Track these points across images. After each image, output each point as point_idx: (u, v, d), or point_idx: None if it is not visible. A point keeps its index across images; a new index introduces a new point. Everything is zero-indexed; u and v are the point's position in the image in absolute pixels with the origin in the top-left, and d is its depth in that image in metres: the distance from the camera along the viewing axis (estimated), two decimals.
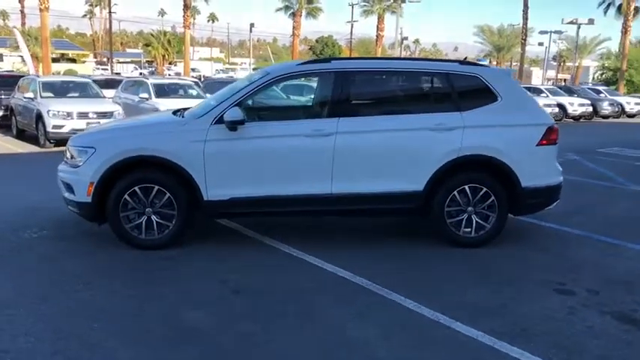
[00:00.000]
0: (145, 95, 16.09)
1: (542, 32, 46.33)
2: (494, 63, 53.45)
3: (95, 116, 14.07)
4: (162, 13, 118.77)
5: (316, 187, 5.67)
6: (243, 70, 72.72)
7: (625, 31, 38.35)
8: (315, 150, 5.64)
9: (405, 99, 6.16)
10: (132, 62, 72.28)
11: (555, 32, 47.05)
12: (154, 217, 5.61)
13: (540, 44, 49.98)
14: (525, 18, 41.30)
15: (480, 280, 5.16)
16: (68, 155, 5.90)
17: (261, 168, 5.63)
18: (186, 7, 41.04)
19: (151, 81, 17.10)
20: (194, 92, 17.29)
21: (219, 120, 5.57)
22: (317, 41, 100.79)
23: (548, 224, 6.88)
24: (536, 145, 5.90)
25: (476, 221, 5.88)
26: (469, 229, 5.90)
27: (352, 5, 57.65)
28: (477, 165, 5.83)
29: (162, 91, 16.68)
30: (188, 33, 42.63)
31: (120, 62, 70.17)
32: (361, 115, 5.78)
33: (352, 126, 5.67)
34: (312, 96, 6.41)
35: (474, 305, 4.57)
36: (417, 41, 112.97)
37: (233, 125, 5.50)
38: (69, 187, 5.69)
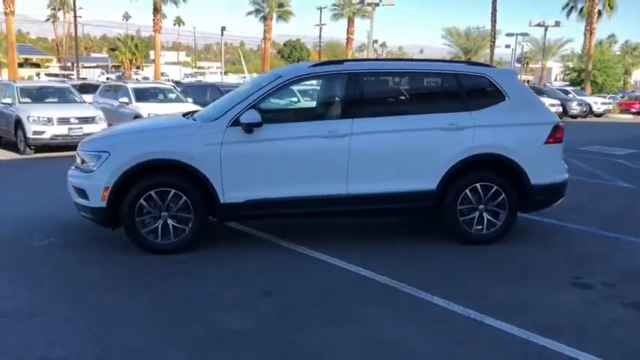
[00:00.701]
0: (125, 100, 15.91)
1: (508, 34, 47.23)
2: None
3: (77, 122, 13.86)
4: (126, 16, 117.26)
5: (331, 188, 5.71)
6: (213, 75, 72.37)
7: (590, 32, 39.46)
8: (330, 151, 5.68)
9: (417, 99, 6.24)
10: (97, 67, 71.03)
11: (521, 34, 48.05)
12: (170, 221, 5.56)
13: (507, 46, 50.93)
14: (494, 21, 42.12)
15: (496, 276, 5.26)
16: (79, 160, 5.81)
17: (276, 170, 5.64)
18: (156, 10, 40.58)
19: (130, 85, 16.89)
20: (174, 96, 17.13)
21: (235, 122, 5.56)
22: (285, 45, 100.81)
23: (550, 220, 7.04)
24: (544, 144, 6.05)
25: (487, 219, 6.00)
26: (480, 227, 6.01)
27: (320, 9, 57.94)
28: (487, 163, 5.95)
29: (143, 95, 16.51)
30: (158, 37, 42.16)
31: (85, 67, 68.89)
32: (374, 115, 5.83)
33: (366, 127, 5.73)
34: (325, 97, 6.42)
35: (498, 300, 4.66)
36: (383, 44, 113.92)
37: (250, 127, 5.50)
38: (82, 193, 5.60)
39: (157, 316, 4.25)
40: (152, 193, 5.49)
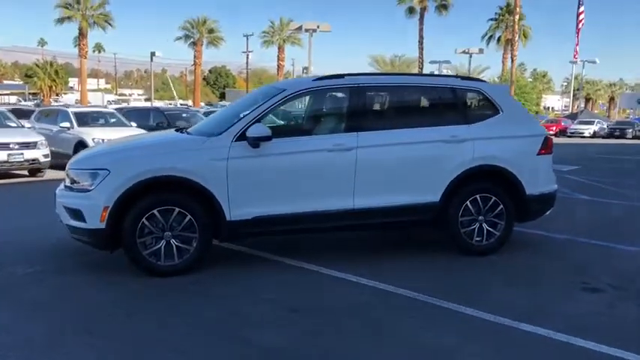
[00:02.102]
0: (67, 124, 15.17)
1: (432, 62, 49.21)
2: None
3: (17, 147, 13.02)
4: (42, 43, 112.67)
5: (338, 203, 5.63)
6: (137, 102, 70.56)
7: (512, 59, 41.73)
8: (337, 165, 5.62)
9: (417, 113, 6.30)
10: (12, 94, 67.60)
11: (444, 62, 50.13)
12: (173, 242, 5.28)
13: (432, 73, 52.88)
14: (421, 49, 43.71)
15: (508, 284, 5.33)
16: (69, 180, 5.44)
17: (284, 185, 5.51)
18: (82, 35, 39.28)
19: (71, 109, 16.16)
20: (116, 120, 16.50)
21: (241, 137, 5.40)
22: (210, 71, 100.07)
23: (534, 231, 7.23)
24: (537, 155, 6.25)
25: (486, 229, 6.09)
26: (480, 238, 6.09)
27: (247, 36, 58.13)
28: (486, 175, 6.07)
29: (84, 119, 15.80)
30: (85, 62, 40.81)
31: None
32: (378, 128, 5.83)
33: (371, 140, 5.71)
34: (328, 111, 6.36)
35: (523, 307, 4.70)
36: (304, 71, 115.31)
37: (258, 142, 5.35)
38: (76, 214, 5.22)
39: (190, 338, 3.98)
40: (155, 212, 5.20)
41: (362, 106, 5.85)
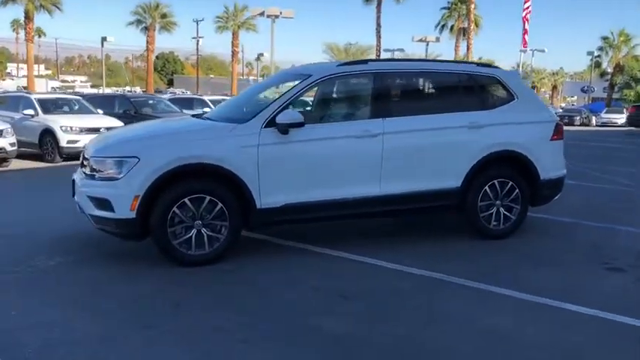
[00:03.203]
0: (31, 112, 14.50)
1: (386, 50, 49.59)
2: None
3: None
4: None
5: (366, 189, 5.63)
6: (83, 88, 68.14)
7: (468, 47, 42.56)
8: (365, 151, 5.61)
9: (439, 98, 6.33)
10: None
11: (398, 50, 50.61)
12: (204, 230, 5.16)
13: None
14: (378, 37, 43.93)
15: (535, 265, 5.46)
16: (90, 169, 5.21)
17: (313, 171, 5.46)
18: (28, 19, 37.58)
19: (34, 96, 15.47)
20: (82, 107, 15.88)
21: (270, 123, 5.31)
22: (157, 57, 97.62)
23: (539, 215, 7.41)
24: (550, 140, 6.40)
25: (503, 214, 6.21)
26: (497, 222, 6.21)
27: (197, 22, 56.97)
28: (504, 160, 6.18)
29: (49, 106, 15.15)
30: (32, 47, 39.09)
31: None
32: (403, 114, 5.83)
33: (397, 126, 5.72)
34: (354, 97, 6.31)
35: (559, 287, 4.84)
36: (259, 58, 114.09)
37: (287, 128, 5.27)
38: (104, 204, 5.01)
39: (254, 329, 3.90)
40: (186, 200, 5.06)
41: (386, 92, 5.85)
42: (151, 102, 18.44)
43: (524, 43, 50.10)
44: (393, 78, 5.95)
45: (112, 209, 4.99)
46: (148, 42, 45.12)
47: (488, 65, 6.48)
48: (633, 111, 24.10)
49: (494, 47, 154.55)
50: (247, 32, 48.84)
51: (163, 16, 45.68)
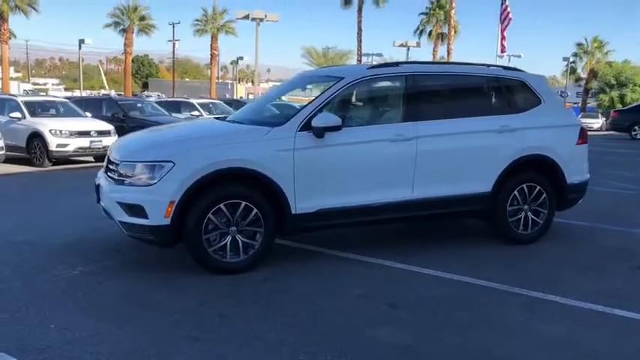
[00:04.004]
0: (17, 115, 14.09)
1: (365, 54, 49.69)
2: None
3: None
4: None
5: (399, 194, 5.53)
6: (57, 91, 66.85)
7: (448, 52, 42.86)
8: (398, 155, 5.51)
9: (469, 102, 6.24)
10: None
11: (376, 55, 50.79)
12: (238, 237, 4.99)
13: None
14: (359, 41, 44.01)
15: (572, 270, 5.41)
16: (120, 173, 5.00)
17: (347, 176, 5.34)
18: (2, 19, 36.65)
19: (21, 99, 14.99)
20: (70, 110, 15.48)
21: (304, 127, 5.17)
22: (133, 61, 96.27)
23: (555, 219, 7.37)
24: (576, 145, 6.39)
25: (531, 218, 6.17)
26: (525, 227, 6.16)
27: (173, 24, 56.34)
28: (533, 164, 6.14)
29: (36, 109, 14.75)
30: (6, 48, 38.10)
31: None
32: (434, 118, 5.75)
33: (429, 129, 5.63)
34: (385, 100, 6.21)
35: (602, 292, 4.79)
36: (234, 62, 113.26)
37: (323, 132, 5.14)
38: (137, 210, 4.81)
39: (311, 338, 3.76)
40: (221, 206, 4.88)
41: (418, 95, 5.76)
42: (139, 105, 18.08)
43: (502, 49, 50.69)
44: (424, 81, 5.87)
45: (145, 216, 4.79)
46: (125, 44, 44.38)
47: (515, 69, 6.43)
48: (616, 115, 24.54)
49: (471, 52, 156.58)
50: (226, 36, 48.30)
51: (142, 18, 44.99)
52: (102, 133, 14.05)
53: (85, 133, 13.70)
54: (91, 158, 14.32)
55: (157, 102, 20.71)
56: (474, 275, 5.10)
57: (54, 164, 13.19)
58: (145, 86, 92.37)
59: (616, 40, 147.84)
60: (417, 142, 5.54)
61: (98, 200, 5.37)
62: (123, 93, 48.16)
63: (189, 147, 5.03)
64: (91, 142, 13.73)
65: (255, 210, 4.99)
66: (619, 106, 37.84)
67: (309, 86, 5.86)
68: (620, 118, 23.99)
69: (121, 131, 14.94)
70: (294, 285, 4.81)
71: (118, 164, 5.05)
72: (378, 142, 5.45)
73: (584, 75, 52.97)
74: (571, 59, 52.11)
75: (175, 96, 40.26)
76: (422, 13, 51.29)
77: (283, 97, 6.17)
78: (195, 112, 19.62)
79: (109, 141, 14.06)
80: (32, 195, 9.33)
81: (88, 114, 15.64)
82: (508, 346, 3.77)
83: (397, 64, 5.83)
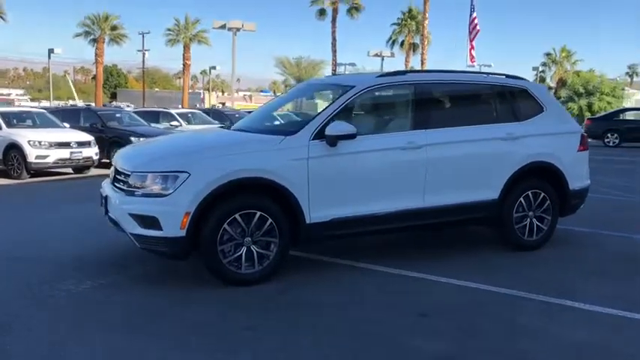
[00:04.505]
0: None
1: (339, 64, 49.96)
2: None
3: None
4: None
5: (410, 202, 5.52)
6: (22, 101, 65.41)
7: (422, 62, 43.32)
8: (410, 163, 5.50)
9: (476, 110, 6.26)
10: None
11: (350, 64, 51.08)
12: (253, 248, 4.90)
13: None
14: (334, 51, 44.25)
15: (583, 275, 5.45)
16: (130, 184, 4.87)
17: (360, 184, 5.30)
18: None
19: None
20: (47, 121, 15.11)
21: (317, 135, 5.12)
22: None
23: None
24: (577, 151, 6.47)
25: (536, 225, 6.21)
26: (531, 233, 6.20)
27: (143, 34, 55.79)
28: (537, 171, 6.18)
29: (13, 120, 14.37)
30: None
31: None
32: (443, 126, 5.76)
33: (438, 137, 5.64)
34: (394, 108, 6.19)
35: (617, 296, 4.82)
36: (204, 72, 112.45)
37: (336, 140, 5.10)
38: (150, 222, 4.67)
39: (351, 351, 3.69)
40: (237, 216, 4.79)
41: (426, 103, 5.77)
42: (118, 115, 17.77)
43: (472, 59, 51.48)
44: (432, 89, 5.88)
45: (159, 227, 4.67)
46: (97, 54, 43.71)
47: (517, 77, 6.50)
48: (589, 123, 25.11)
49: (442, 62, 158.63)
50: (199, 45, 48.06)
51: (113, 28, 44.41)
52: (82, 144, 13.77)
53: (65, 144, 13.41)
54: (69, 170, 14.01)
55: (134, 112, 20.39)
56: (489, 282, 5.09)
57: (32, 176, 12.85)
58: (114, 96, 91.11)
59: (582, 50, 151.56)
60: (428, 149, 5.54)
61: (106, 212, 5.22)
62: (93, 103, 47.40)
63: (204, 156, 4.93)
64: (72, 153, 13.44)
65: (270, 220, 4.91)
66: (587, 115, 38.72)
67: (315, 95, 5.80)
68: (594, 125, 24.54)
69: (99, 142, 14.70)
70: (316, 297, 4.73)
71: (129, 175, 4.92)
72: (390, 150, 5.42)
73: (553, 84, 54.05)
74: (540, 69, 53.27)
75: (145, 106, 39.79)
76: (394, 24, 51.76)
77: (293, 107, 6.10)
78: (175, 122, 19.35)
79: (89, 152, 13.81)
80: (19, 208, 9.06)
81: (67, 125, 15.31)
82: (542, 351, 3.77)
83: (404, 72, 5.84)
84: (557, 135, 6.33)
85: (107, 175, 5.63)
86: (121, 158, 5.38)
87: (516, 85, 6.38)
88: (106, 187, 5.34)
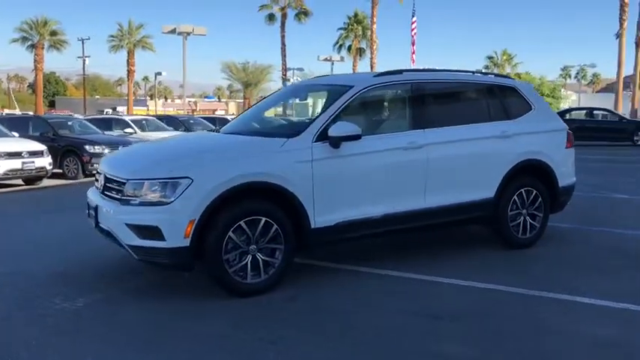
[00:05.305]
0: None
1: (288, 69, 49.91)
2: (245, 98, 55.54)
3: None
4: None
5: (413, 203, 5.42)
6: None
7: (371, 67, 43.69)
8: (411, 163, 5.40)
9: (470, 109, 6.21)
10: None
11: (298, 69, 51.06)
12: (259, 255, 4.67)
13: (287, 80, 53.59)
14: (284, 55, 44.09)
15: (582, 271, 5.48)
16: (125, 193, 4.56)
17: (364, 186, 5.16)
18: None
19: None
20: None
21: (320, 137, 4.95)
22: None
23: None
24: (565, 148, 6.54)
25: (529, 222, 6.23)
26: (524, 231, 6.21)
27: (83, 40, 54.02)
28: (529, 169, 6.20)
29: None
30: None
31: None
32: (440, 125, 5.68)
33: (437, 137, 5.57)
34: (392, 108, 6.06)
35: (625, 291, 4.85)
36: (146, 78, 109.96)
37: (339, 142, 4.94)
38: (152, 232, 4.37)
39: (373, 357, 3.53)
40: (241, 223, 4.56)
41: (423, 103, 5.69)
42: (69, 123, 17.03)
43: (413, 62, 52.38)
44: (429, 88, 5.79)
45: (161, 237, 4.37)
46: (36, 60, 41.95)
47: (505, 76, 6.51)
48: None
49: (388, 66, 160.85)
50: (143, 51, 46.89)
51: (53, 33, 42.72)
52: (34, 154, 13.05)
53: (15, 154, 12.67)
54: (20, 181, 13.24)
55: (86, 119, 19.62)
56: (494, 282, 5.03)
57: None
58: (52, 105, 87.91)
59: (521, 53, 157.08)
60: (428, 149, 5.45)
61: (96, 224, 4.87)
62: (31, 112, 45.51)
63: (206, 161, 4.67)
64: (23, 163, 12.69)
65: (275, 226, 4.69)
66: None
67: (309, 96, 5.61)
68: None
69: (52, 151, 14.00)
70: (326, 303, 4.55)
71: (123, 183, 4.60)
72: (392, 151, 5.30)
73: None
74: (483, 71, 54.70)
75: (87, 114, 38.43)
76: (340, 29, 52.14)
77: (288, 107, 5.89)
78: (129, 129, 18.72)
79: (42, 162, 13.10)
80: None
81: (16, 134, 14.51)
82: (564, 349, 3.72)
83: (400, 71, 5.73)
84: (546, 133, 6.38)
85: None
86: (109, 165, 5.05)
87: (506, 84, 6.40)
88: (95, 197, 4.99)
